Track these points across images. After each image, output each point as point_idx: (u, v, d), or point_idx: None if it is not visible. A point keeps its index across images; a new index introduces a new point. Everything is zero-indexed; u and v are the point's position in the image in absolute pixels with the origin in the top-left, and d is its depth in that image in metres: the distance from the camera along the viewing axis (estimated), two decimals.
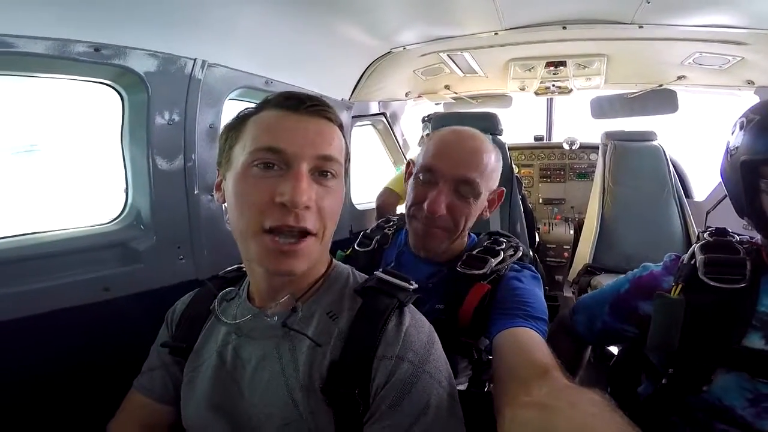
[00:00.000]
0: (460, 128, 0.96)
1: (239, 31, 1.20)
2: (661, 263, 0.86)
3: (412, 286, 0.68)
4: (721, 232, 0.81)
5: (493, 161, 0.92)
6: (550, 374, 0.58)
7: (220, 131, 0.69)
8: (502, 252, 0.92)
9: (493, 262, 0.88)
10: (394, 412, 0.56)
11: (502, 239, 0.98)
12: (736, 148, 0.73)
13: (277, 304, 0.65)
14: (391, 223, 1.14)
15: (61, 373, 0.98)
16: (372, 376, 0.58)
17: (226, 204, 0.65)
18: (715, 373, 0.71)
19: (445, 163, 0.89)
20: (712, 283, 0.71)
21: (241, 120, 0.64)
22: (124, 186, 1.15)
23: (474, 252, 0.92)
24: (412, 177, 0.97)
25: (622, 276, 0.92)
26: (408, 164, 1.03)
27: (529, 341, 0.70)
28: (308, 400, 0.60)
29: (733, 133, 0.76)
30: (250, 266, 0.68)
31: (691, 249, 0.80)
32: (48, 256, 0.98)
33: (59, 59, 0.89)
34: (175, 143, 1.15)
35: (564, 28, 1.45)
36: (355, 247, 1.09)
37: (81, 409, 0.96)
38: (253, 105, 0.66)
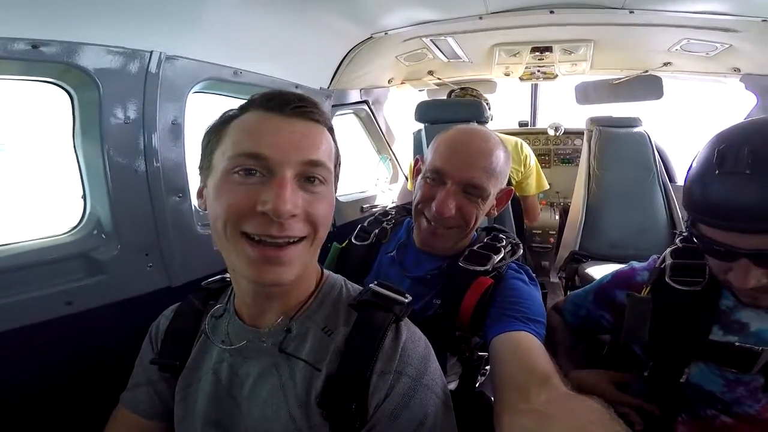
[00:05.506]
0: (470, 128, 0.95)
1: (202, 18, 1.10)
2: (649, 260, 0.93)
3: (407, 299, 0.66)
4: (689, 239, 0.87)
5: (502, 162, 0.91)
6: (549, 382, 0.59)
7: (203, 131, 0.63)
8: (502, 249, 0.91)
9: (495, 258, 0.88)
10: (393, 425, 0.56)
11: (501, 236, 0.97)
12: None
13: (271, 327, 0.63)
14: (390, 217, 1.12)
15: (30, 393, 0.92)
16: (370, 391, 0.57)
17: (208, 211, 0.61)
18: (689, 365, 0.78)
19: (453, 166, 0.87)
20: (676, 286, 0.80)
21: (223, 122, 0.60)
22: (81, 192, 1.05)
23: (475, 248, 0.92)
24: (420, 175, 0.95)
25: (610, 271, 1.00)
26: (416, 161, 1.01)
27: (528, 347, 0.71)
28: (306, 415, 0.59)
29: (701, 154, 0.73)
30: (236, 278, 0.64)
31: (665, 252, 0.88)
32: None
33: None
34: (133, 143, 1.06)
35: (551, 12, 1.39)
36: (352, 240, 1.08)
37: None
38: (230, 101, 0.62)
